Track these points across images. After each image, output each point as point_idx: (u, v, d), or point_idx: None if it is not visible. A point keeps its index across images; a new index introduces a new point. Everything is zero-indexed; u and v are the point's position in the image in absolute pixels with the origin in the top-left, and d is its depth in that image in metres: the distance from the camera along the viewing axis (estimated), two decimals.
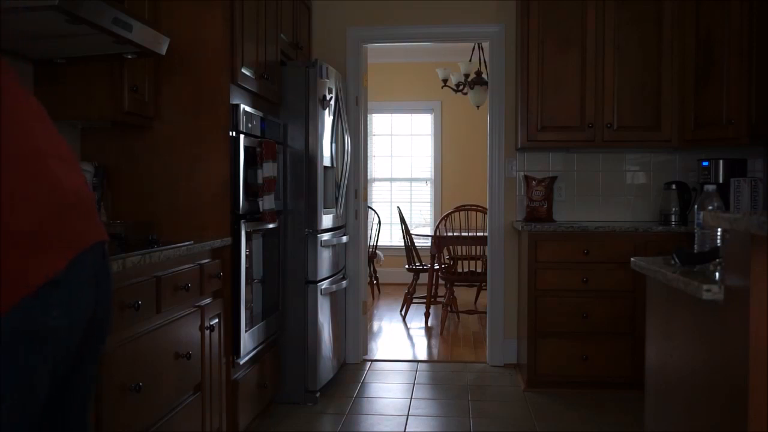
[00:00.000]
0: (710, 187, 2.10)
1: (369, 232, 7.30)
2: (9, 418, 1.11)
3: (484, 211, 5.69)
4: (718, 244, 1.92)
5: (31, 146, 1.18)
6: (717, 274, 1.74)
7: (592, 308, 4.09)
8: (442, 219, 6.19)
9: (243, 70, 3.20)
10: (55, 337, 1.17)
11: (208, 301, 2.85)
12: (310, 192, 3.87)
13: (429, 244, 6.39)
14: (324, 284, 4.00)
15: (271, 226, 3.48)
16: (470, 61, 6.67)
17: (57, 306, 1.15)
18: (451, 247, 6.26)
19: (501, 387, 4.29)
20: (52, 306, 1.14)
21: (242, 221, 3.18)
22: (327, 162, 4.01)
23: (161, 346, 2.38)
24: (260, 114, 3.43)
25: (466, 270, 6.08)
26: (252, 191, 3.30)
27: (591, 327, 4.09)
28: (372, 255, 7.43)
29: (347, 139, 4.38)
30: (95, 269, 1.27)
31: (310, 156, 3.87)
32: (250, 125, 3.27)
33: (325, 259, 4.03)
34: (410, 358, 5.10)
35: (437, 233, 6.09)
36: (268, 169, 3.35)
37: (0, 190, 1.08)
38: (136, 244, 2.38)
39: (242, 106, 3.18)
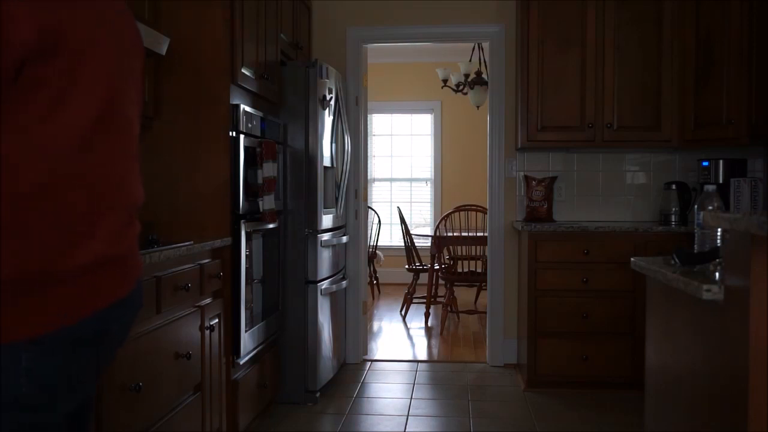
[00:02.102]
0: (710, 187, 2.10)
1: (369, 232, 7.30)
2: (63, 407, 1.28)
3: (484, 211, 5.69)
4: (718, 244, 1.92)
5: (131, 194, 1.36)
6: (717, 274, 1.74)
7: (592, 308, 4.09)
8: (442, 219, 6.19)
9: (243, 70, 3.20)
10: (110, 344, 1.38)
11: (208, 301, 2.85)
12: (310, 192, 3.87)
13: (429, 244, 6.39)
14: (324, 284, 4.00)
15: (271, 226, 3.48)
16: (470, 61, 6.68)
17: (117, 320, 1.36)
18: (451, 247, 6.26)
19: (501, 387, 4.29)
20: (114, 319, 1.34)
21: (242, 221, 3.18)
22: (327, 162, 4.01)
23: (161, 346, 2.38)
24: (260, 114, 3.43)
25: (466, 270, 6.08)
26: (252, 191, 3.30)
27: (591, 327, 4.09)
28: (372, 255, 7.43)
29: (347, 139, 4.38)
30: (139, 294, 1.47)
31: (310, 156, 3.87)
32: (250, 125, 3.27)
33: (325, 259, 4.03)
34: (410, 358, 5.10)
35: (437, 233, 6.09)
36: (268, 169, 3.35)
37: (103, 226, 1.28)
38: None
39: (242, 106, 3.18)
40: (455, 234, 6.05)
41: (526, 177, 4.63)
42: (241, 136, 3.16)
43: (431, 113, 8.82)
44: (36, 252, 1.18)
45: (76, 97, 1.20)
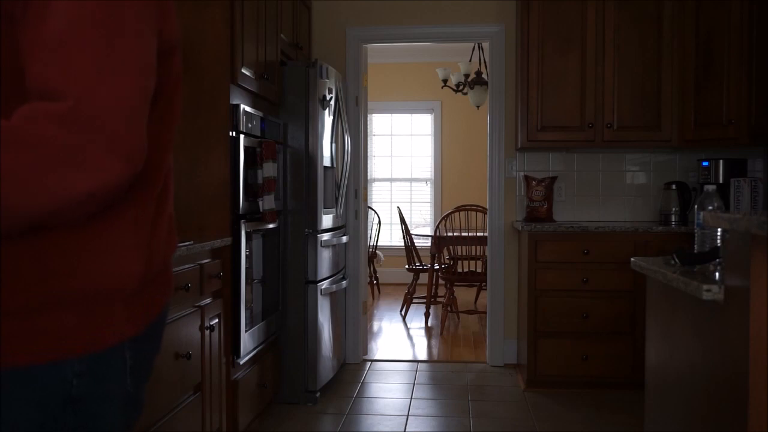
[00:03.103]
0: (710, 187, 2.10)
1: (369, 232, 7.30)
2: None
3: (484, 211, 5.69)
4: (718, 244, 1.92)
5: (169, 211, 1.29)
6: (717, 274, 1.74)
7: (592, 308, 4.09)
8: (442, 219, 6.19)
9: (243, 70, 3.20)
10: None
11: (208, 301, 2.85)
12: (310, 192, 3.87)
13: (429, 244, 6.39)
14: (324, 284, 4.00)
15: (271, 226, 3.48)
16: (470, 61, 6.68)
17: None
18: (451, 247, 6.26)
19: (501, 387, 4.29)
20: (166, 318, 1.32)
21: (242, 221, 3.18)
22: (327, 162, 4.01)
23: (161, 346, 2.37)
24: (260, 114, 3.43)
25: (466, 270, 6.08)
26: (252, 191, 3.30)
27: (591, 327, 4.09)
28: (372, 255, 7.43)
29: (347, 139, 4.38)
30: None
31: (310, 156, 3.87)
32: (250, 125, 3.27)
33: (325, 259, 4.03)
34: (410, 358, 5.10)
35: (437, 233, 6.09)
36: (268, 169, 3.35)
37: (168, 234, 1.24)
38: None
39: (242, 106, 3.18)
40: (455, 234, 6.05)
41: (526, 177, 4.63)
42: (241, 136, 3.16)
43: (431, 113, 8.81)
44: (162, 250, 1.17)
45: (177, 95, 1.21)
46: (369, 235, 7.24)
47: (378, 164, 8.94)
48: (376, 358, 5.01)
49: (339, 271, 4.45)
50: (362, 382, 4.38)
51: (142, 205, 1.11)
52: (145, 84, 1.00)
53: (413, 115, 8.91)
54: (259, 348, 3.43)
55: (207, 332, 2.79)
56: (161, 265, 1.19)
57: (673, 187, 4.42)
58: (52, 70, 0.93)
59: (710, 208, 2.00)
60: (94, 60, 0.94)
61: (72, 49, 0.94)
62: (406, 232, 6.51)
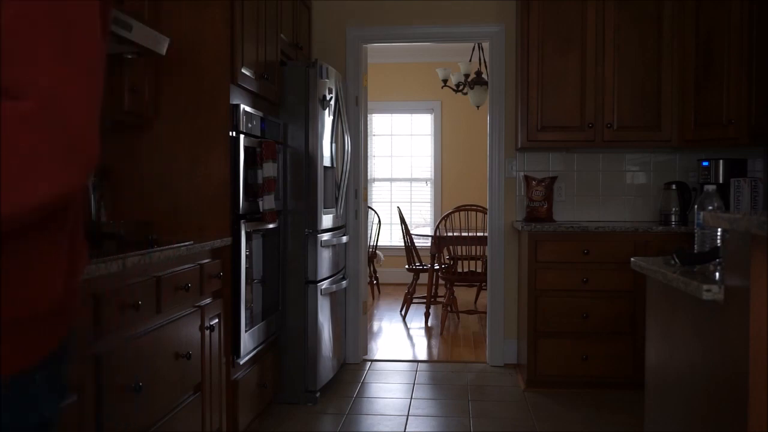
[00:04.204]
0: (710, 187, 2.10)
1: (369, 232, 7.30)
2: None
3: (484, 211, 5.69)
4: (718, 244, 1.92)
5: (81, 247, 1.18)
6: (717, 274, 1.74)
7: (592, 308, 4.09)
8: (442, 219, 6.19)
9: (243, 70, 3.20)
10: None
11: (208, 301, 2.85)
12: (310, 192, 3.87)
13: (429, 244, 6.39)
14: (324, 284, 4.00)
15: (271, 226, 3.48)
16: (470, 61, 6.68)
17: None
18: (451, 247, 6.26)
19: (501, 387, 4.29)
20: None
21: (242, 221, 3.18)
22: (327, 162, 4.01)
23: (161, 346, 2.38)
24: (260, 114, 3.43)
25: (466, 270, 6.08)
26: (252, 191, 3.30)
27: (591, 327, 4.09)
28: (372, 255, 7.43)
29: (347, 139, 4.38)
30: None
31: (310, 156, 3.87)
32: (250, 125, 3.27)
33: (325, 259, 4.03)
34: (410, 358, 5.10)
35: (437, 233, 6.09)
36: (268, 169, 3.35)
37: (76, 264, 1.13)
38: (135, 244, 2.38)
39: (242, 106, 3.18)
40: (455, 234, 6.05)
41: (526, 177, 4.63)
42: (241, 136, 3.16)
43: (431, 113, 8.81)
44: (82, 261, 1.11)
45: None
46: (369, 235, 7.24)
47: (378, 164, 8.94)
48: (376, 358, 5.01)
49: (339, 271, 4.45)
50: (362, 382, 4.38)
51: (60, 214, 1.02)
52: (100, 82, 0.96)
53: (413, 115, 8.91)
54: (259, 348, 3.43)
55: (207, 332, 2.79)
56: (80, 277, 1.11)
57: (673, 187, 4.42)
58: (11, 65, 0.87)
59: (710, 208, 2.00)
60: (56, 56, 0.89)
61: (31, 44, 0.88)
62: (406, 232, 6.51)
